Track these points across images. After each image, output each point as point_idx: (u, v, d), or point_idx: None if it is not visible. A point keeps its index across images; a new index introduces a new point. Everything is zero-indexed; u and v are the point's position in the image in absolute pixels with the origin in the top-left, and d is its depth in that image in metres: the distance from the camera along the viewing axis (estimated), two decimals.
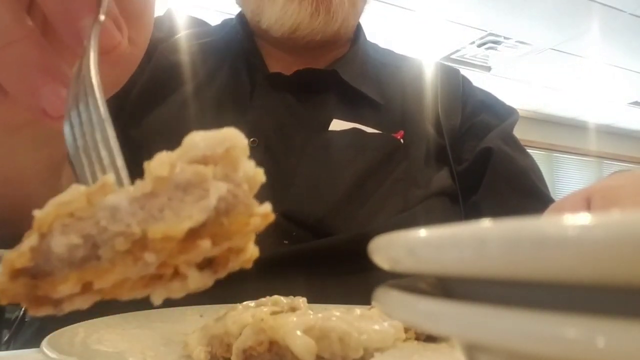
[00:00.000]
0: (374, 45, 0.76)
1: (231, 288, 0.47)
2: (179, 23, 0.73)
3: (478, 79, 3.99)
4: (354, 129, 0.60)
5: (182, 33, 0.70)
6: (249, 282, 0.48)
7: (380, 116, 0.63)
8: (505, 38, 3.50)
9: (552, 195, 0.65)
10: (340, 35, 0.65)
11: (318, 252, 0.52)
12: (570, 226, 0.09)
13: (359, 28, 0.73)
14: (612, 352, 0.08)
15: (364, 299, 0.42)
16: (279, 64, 0.66)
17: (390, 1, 2.99)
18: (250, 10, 0.65)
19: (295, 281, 0.49)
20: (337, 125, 0.61)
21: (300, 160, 0.58)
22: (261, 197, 0.61)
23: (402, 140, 0.62)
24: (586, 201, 0.36)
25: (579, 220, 0.09)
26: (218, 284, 0.53)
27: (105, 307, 0.46)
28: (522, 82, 4.26)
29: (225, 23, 0.73)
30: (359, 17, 0.70)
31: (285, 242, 0.53)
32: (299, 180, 0.56)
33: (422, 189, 0.59)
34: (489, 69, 3.99)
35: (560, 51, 3.68)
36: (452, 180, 0.64)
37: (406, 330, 0.35)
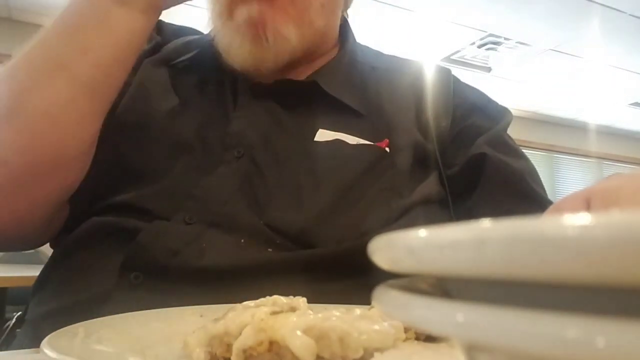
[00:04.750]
0: (364, 48, 0.75)
1: (226, 290, 0.48)
2: (167, 33, 0.73)
3: (478, 80, 4.01)
4: (337, 140, 0.60)
5: (170, 46, 0.70)
6: (239, 285, 0.50)
7: (365, 125, 0.63)
8: (505, 39, 3.50)
9: (553, 196, 0.65)
10: (298, 58, 0.64)
11: (302, 261, 0.52)
12: (570, 226, 0.09)
13: (345, 33, 0.72)
14: (612, 352, 0.08)
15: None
16: (261, 77, 0.65)
17: (389, 2, 2.99)
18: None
19: (283, 285, 0.50)
20: (323, 135, 0.61)
21: (284, 171, 0.58)
22: (247, 207, 0.62)
23: (387, 149, 0.61)
24: (585, 202, 0.36)
25: (579, 220, 0.09)
26: (217, 283, 0.54)
27: (105, 307, 0.46)
28: (522, 83, 4.26)
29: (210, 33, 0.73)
30: (328, 29, 0.68)
31: (269, 249, 0.53)
32: (283, 191, 0.56)
33: (406, 199, 0.58)
34: (489, 69, 3.99)
35: (561, 52, 3.69)
36: (442, 186, 0.63)
37: (406, 330, 0.35)
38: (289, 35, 0.60)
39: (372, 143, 0.61)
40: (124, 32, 0.55)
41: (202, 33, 0.75)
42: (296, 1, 0.60)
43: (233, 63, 0.63)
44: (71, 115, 0.53)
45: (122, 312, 0.40)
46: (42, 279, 0.58)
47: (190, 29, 0.77)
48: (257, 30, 0.59)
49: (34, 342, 0.30)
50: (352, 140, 0.61)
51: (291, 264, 0.52)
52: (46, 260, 0.60)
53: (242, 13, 0.59)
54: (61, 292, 0.53)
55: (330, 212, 0.55)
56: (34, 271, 0.61)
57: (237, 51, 0.61)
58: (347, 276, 0.51)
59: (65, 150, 0.54)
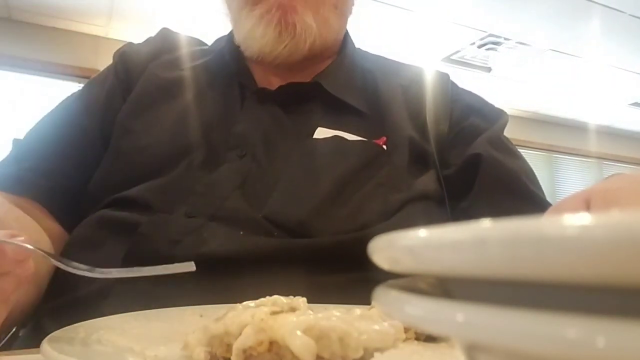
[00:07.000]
0: (364, 53, 0.77)
1: (226, 279, 0.49)
2: (172, 42, 0.75)
3: (478, 80, 4.01)
4: (336, 136, 0.62)
5: (177, 52, 0.73)
6: (239, 273, 0.51)
7: (364, 124, 0.64)
8: (505, 39, 3.50)
9: (553, 196, 0.65)
10: (315, 52, 0.66)
11: (301, 250, 0.53)
12: (570, 226, 0.09)
13: (345, 38, 0.75)
14: (612, 352, 0.08)
15: (340, 299, 0.44)
16: (267, 80, 0.68)
17: (389, 2, 2.99)
18: (233, 30, 0.69)
19: (282, 274, 0.51)
20: (322, 133, 0.63)
21: (284, 167, 0.59)
22: (247, 202, 0.63)
23: (384, 147, 0.63)
24: (585, 203, 0.36)
25: (579, 220, 0.09)
26: (217, 272, 0.54)
27: (105, 307, 0.47)
28: (522, 83, 4.26)
29: (218, 43, 0.76)
30: (339, 32, 0.72)
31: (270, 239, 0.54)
32: (282, 185, 0.58)
33: (402, 193, 0.60)
34: (489, 69, 3.99)
35: (560, 52, 3.69)
36: (439, 185, 0.64)
37: (406, 330, 0.35)
38: (311, 23, 0.63)
39: (369, 140, 0.63)
40: None
41: (207, 44, 0.78)
42: None
43: (251, 48, 0.65)
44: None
45: (123, 306, 0.40)
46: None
47: (197, 39, 0.79)
48: (285, 14, 0.62)
49: (39, 338, 0.31)
50: (350, 137, 0.62)
51: (290, 252, 0.53)
52: None
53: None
54: (65, 288, 0.54)
55: (327, 205, 0.57)
56: None
57: (259, 34, 0.63)
58: (345, 269, 0.52)
59: (20, 317, 0.54)
